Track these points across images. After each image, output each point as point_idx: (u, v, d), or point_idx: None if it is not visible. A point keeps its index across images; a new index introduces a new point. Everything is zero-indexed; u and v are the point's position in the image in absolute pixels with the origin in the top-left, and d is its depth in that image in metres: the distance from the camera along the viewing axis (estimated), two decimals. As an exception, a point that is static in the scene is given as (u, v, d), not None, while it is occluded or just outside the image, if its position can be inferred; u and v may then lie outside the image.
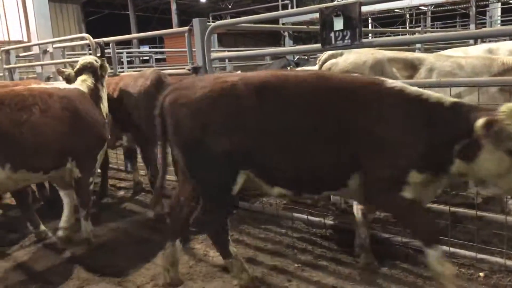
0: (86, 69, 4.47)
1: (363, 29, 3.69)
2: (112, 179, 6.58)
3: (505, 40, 5.74)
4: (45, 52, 8.36)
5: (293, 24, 13.69)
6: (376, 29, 18.24)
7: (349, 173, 2.96)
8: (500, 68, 4.07)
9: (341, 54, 4.56)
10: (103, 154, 4.29)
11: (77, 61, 4.63)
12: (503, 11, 19.33)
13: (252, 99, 2.95)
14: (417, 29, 17.31)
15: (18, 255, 4.20)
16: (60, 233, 4.25)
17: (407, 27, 20.41)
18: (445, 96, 2.94)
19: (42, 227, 4.43)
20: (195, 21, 5.10)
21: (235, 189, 3.12)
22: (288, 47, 11.90)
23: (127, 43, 17.55)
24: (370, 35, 11.81)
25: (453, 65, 4.24)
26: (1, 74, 9.24)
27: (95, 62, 4.52)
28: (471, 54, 4.86)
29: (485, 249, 3.51)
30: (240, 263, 3.29)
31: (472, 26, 14.85)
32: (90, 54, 6.85)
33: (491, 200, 4.37)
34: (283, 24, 13.49)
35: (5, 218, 5.20)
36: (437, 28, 21.82)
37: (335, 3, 4.03)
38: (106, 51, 6.15)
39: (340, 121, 2.91)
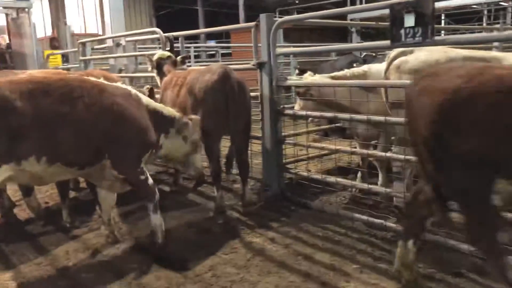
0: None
1: (435, 26, 3.53)
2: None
3: None
4: (118, 45, 8.75)
5: (361, 20, 13.34)
6: (449, 25, 17.39)
7: None
8: None
9: (411, 52, 4.39)
10: (148, 156, 4.01)
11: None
12: None
13: None
14: (495, 26, 16.27)
15: (88, 237, 4.44)
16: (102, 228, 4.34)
17: (484, 24, 19.29)
18: None
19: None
20: (262, 17, 5.17)
21: None
22: (355, 43, 11.65)
23: (194, 38, 17.93)
24: (442, 32, 11.22)
25: (535, 66, 3.95)
26: (78, 65, 9.82)
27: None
28: (556, 54, 4.50)
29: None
30: None
31: (559, 23, 13.76)
32: (160, 48, 7.09)
33: None
34: (351, 20, 13.20)
35: (77, 202, 5.50)
36: (517, 25, 20.43)
37: (406, -2, 3.87)
38: (175, 45, 6.36)
39: None
